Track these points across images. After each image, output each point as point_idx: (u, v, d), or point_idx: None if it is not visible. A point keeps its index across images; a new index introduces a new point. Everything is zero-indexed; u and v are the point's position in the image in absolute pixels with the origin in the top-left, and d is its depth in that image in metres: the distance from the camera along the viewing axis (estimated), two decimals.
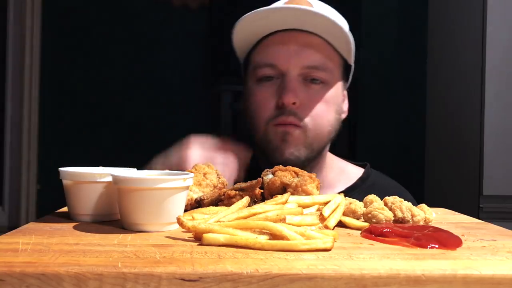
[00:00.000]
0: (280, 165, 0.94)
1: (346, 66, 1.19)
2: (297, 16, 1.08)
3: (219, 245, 0.64)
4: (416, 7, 3.14)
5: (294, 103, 1.09)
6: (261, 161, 1.21)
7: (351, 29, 1.18)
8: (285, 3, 1.14)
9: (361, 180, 1.24)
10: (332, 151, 1.31)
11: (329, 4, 1.20)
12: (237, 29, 1.12)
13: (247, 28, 1.12)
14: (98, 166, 0.88)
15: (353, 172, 1.26)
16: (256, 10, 1.09)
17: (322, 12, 1.07)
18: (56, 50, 3.27)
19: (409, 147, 3.14)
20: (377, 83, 3.18)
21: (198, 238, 0.67)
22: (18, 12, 3.23)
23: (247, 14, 1.09)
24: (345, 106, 1.23)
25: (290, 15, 1.09)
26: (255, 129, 1.14)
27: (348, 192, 1.18)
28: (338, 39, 1.12)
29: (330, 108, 1.13)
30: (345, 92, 1.23)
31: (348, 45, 1.13)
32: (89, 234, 0.72)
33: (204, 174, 0.94)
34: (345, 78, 1.20)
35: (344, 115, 1.22)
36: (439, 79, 2.93)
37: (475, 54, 2.37)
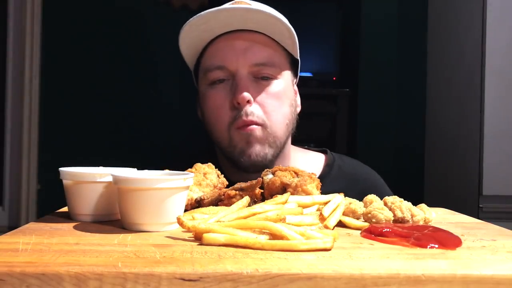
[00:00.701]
0: (280, 165, 0.94)
1: (293, 62, 1.21)
2: (239, 16, 1.10)
3: (219, 245, 0.64)
4: (416, 8, 3.14)
5: (248, 101, 1.10)
6: (227, 168, 1.20)
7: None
8: (227, 4, 1.16)
9: (328, 166, 1.25)
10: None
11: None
12: (182, 35, 1.13)
13: (192, 33, 1.13)
14: (98, 166, 0.88)
15: (317, 160, 1.28)
16: (197, 14, 1.10)
17: (262, 9, 1.09)
18: (56, 50, 3.27)
19: (409, 147, 3.14)
20: (377, 83, 3.18)
21: (198, 238, 0.67)
22: (19, 12, 3.23)
23: (189, 20, 1.11)
24: (298, 100, 1.25)
25: (231, 16, 1.10)
26: (218, 137, 1.15)
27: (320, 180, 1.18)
28: (281, 35, 1.14)
29: (283, 102, 1.15)
30: (296, 88, 1.25)
31: (292, 39, 1.15)
32: (89, 234, 0.73)
33: (204, 174, 0.94)
34: (294, 73, 1.22)
35: (298, 109, 1.24)
36: (439, 79, 2.93)
37: (475, 55, 2.37)
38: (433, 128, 2.99)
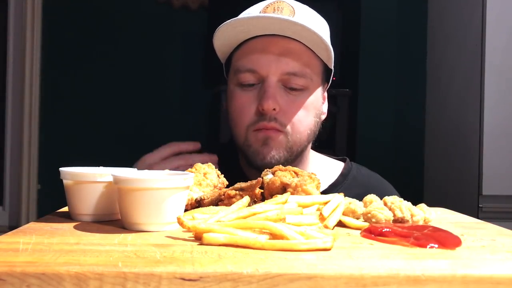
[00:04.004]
0: (280, 165, 0.94)
1: (326, 70, 1.20)
2: (277, 24, 1.09)
3: (219, 245, 0.64)
4: (416, 8, 3.15)
5: (274, 109, 1.11)
6: (243, 164, 1.23)
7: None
8: (266, 6, 1.14)
9: (342, 176, 1.25)
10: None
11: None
12: (218, 34, 1.13)
13: (228, 33, 1.12)
14: (98, 166, 0.88)
15: (334, 168, 1.28)
16: (237, 17, 1.10)
17: (302, 22, 1.07)
18: (56, 50, 3.27)
19: (409, 147, 3.14)
20: (377, 83, 3.18)
21: (198, 237, 0.67)
22: (19, 12, 3.23)
23: (228, 21, 1.10)
24: (325, 107, 1.24)
25: (271, 23, 1.09)
26: (236, 134, 1.16)
27: (331, 189, 1.20)
28: (317, 46, 1.13)
29: (309, 113, 1.15)
30: (325, 94, 1.24)
31: (328, 52, 1.14)
32: (90, 233, 0.73)
33: (204, 174, 0.94)
34: (325, 80, 1.21)
35: (323, 116, 1.24)
36: (439, 79, 2.93)
37: (475, 54, 2.37)
38: (433, 128, 2.99)
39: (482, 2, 2.31)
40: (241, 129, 1.14)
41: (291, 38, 1.12)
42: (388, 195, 1.18)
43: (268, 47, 1.12)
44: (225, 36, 1.13)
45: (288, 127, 1.12)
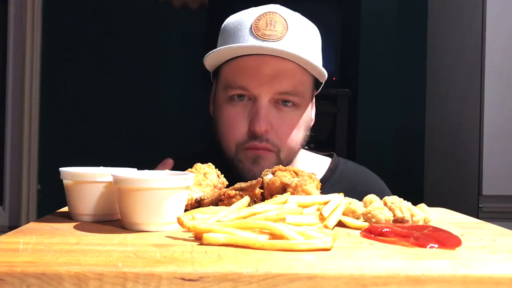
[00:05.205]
0: (280, 165, 0.94)
1: (316, 80, 1.20)
2: (268, 49, 1.07)
3: (219, 245, 0.64)
4: (416, 7, 3.15)
5: (266, 131, 1.10)
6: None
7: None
8: (258, 18, 1.11)
9: (330, 171, 1.25)
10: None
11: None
12: (209, 57, 1.12)
13: (219, 55, 1.12)
14: (98, 166, 0.88)
15: (321, 164, 1.27)
16: (230, 45, 1.08)
17: (295, 51, 1.06)
18: (57, 50, 3.28)
19: (409, 147, 3.15)
20: (377, 83, 3.18)
21: (198, 237, 0.67)
22: (19, 12, 3.23)
23: (220, 47, 1.09)
24: (313, 114, 1.24)
25: (260, 49, 1.08)
26: (225, 148, 1.15)
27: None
28: (309, 65, 1.12)
29: (300, 130, 1.15)
30: (313, 101, 1.24)
31: (322, 75, 1.14)
32: (90, 234, 0.73)
33: (204, 174, 0.94)
34: (315, 88, 1.21)
35: (312, 123, 1.24)
36: (438, 79, 2.93)
37: (475, 54, 2.37)
38: (433, 127, 2.99)
39: (482, 2, 2.31)
40: (231, 145, 1.13)
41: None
42: (375, 188, 1.18)
43: (260, 67, 1.09)
44: (216, 58, 1.13)
45: (279, 146, 1.12)
